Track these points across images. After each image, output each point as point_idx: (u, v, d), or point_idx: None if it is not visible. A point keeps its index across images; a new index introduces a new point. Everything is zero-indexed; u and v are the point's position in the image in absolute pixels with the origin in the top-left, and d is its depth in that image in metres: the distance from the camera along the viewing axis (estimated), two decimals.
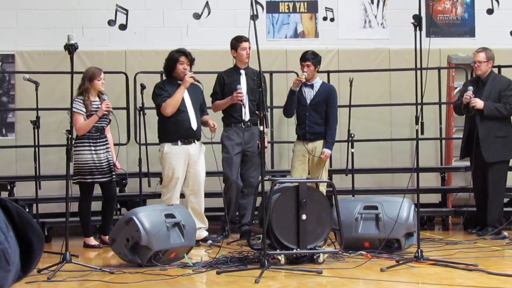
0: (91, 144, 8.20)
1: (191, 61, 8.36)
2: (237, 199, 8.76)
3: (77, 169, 8.19)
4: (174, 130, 8.24)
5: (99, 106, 8.24)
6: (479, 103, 8.48)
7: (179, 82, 8.27)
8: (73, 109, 8.07)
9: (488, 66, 8.73)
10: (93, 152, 8.19)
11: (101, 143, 8.26)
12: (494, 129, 8.60)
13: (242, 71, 8.75)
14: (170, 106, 8.21)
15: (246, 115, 8.68)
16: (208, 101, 8.83)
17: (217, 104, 8.77)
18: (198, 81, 8.36)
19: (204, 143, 8.46)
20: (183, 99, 8.27)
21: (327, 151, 8.63)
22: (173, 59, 8.34)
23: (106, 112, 8.25)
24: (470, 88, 8.55)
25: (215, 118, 8.93)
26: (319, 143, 8.66)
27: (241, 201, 8.79)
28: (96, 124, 8.22)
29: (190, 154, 8.29)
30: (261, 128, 6.82)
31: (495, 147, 8.58)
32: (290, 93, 8.69)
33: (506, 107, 8.59)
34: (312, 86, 8.72)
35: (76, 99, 8.13)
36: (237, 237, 8.60)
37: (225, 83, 8.71)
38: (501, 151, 8.67)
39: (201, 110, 8.48)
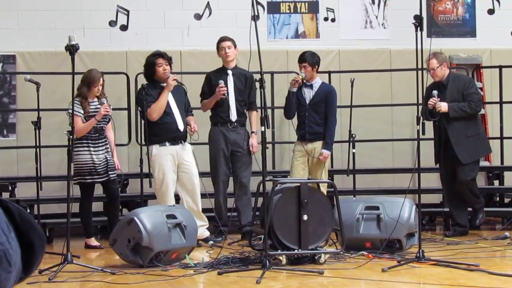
0: (90, 145, 8.20)
1: (169, 60, 8.35)
2: (226, 200, 8.77)
3: (77, 169, 8.20)
4: (162, 132, 8.25)
5: (98, 107, 8.23)
6: (443, 107, 8.43)
7: (161, 85, 8.27)
8: (71, 111, 8.08)
9: (443, 70, 8.61)
10: (92, 153, 8.19)
11: (100, 144, 8.26)
12: (463, 130, 8.58)
13: (229, 71, 8.79)
14: (155, 111, 8.22)
15: (233, 115, 8.70)
16: (197, 101, 8.86)
17: (204, 103, 8.81)
18: (181, 83, 8.38)
19: (196, 143, 8.49)
20: (168, 102, 8.27)
21: (325, 152, 8.63)
22: (151, 63, 8.34)
23: (105, 115, 8.25)
24: (435, 92, 8.42)
25: (203, 117, 8.93)
26: (319, 144, 8.67)
27: (235, 202, 8.76)
28: (95, 125, 8.21)
29: (178, 154, 8.30)
30: (262, 128, 6.81)
31: (468, 147, 8.57)
32: (288, 94, 8.72)
33: (471, 106, 8.56)
34: (311, 87, 8.74)
35: (74, 101, 8.14)
36: (238, 238, 8.61)
37: (212, 83, 8.73)
38: (475, 150, 8.69)
39: (186, 110, 8.49)
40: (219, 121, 8.72)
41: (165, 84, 8.28)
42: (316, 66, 8.72)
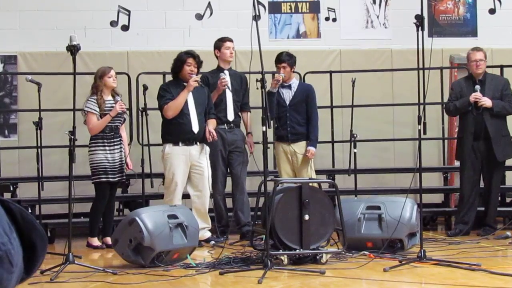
0: (105, 143, 8.21)
1: (198, 63, 8.36)
2: (224, 200, 8.78)
3: (93, 169, 8.22)
4: (175, 132, 8.26)
5: (113, 105, 8.24)
6: (488, 102, 8.53)
7: (184, 84, 8.28)
8: (87, 109, 8.12)
9: (485, 65, 8.78)
10: (107, 151, 8.21)
11: (116, 143, 8.27)
12: (500, 128, 8.69)
13: (226, 72, 8.78)
14: (171, 109, 8.22)
15: (230, 115, 8.70)
16: None
17: None
18: (202, 86, 8.38)
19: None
20: (186, 102, 8.27)
21: (312, 149, 8.63)
22: (180, 60, 8.35)
23: (120, 111, 8.27)
24: (478, 87, 8.57)
25: None
26: (302, 144, 8.67)
27: (233, 202, 8.75)
28: (110, 124, 8.23)
29: (192, 155, 8.30)
30: (264, 128, 6.81)
31: (503, 146, 8.67)
32: (268, 94, 8.66)
33: (511, 105, 8.70)
34: (289, 87, 8.74)
35: (89, 99, 8.19)
36: (237, 238, 8.61)
37: (209, 83, 8.72)
38: (508, 150, 8.76)
39: (207, 112, 8.47)
40: (216, 122, 8.70)
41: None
42: (294, 67, 8.74)
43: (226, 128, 8.71)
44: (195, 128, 8.28)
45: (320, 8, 11.13)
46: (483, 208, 8.94)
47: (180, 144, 8.28)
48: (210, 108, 8.52)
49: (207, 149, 8.39)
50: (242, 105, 8.88)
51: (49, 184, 9.29)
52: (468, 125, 8.72)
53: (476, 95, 8.53)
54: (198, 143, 8.35)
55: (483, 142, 8.60)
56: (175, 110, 8.22)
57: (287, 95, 8.71)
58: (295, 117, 8.67)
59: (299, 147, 8.68)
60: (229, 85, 8.63)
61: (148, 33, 10.71)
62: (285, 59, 8.65)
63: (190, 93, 8.27)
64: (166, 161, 8.32)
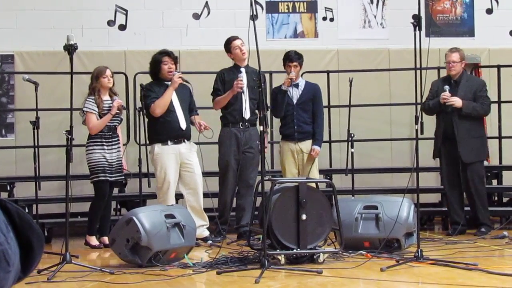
0: (104, 143, 8.21)
1: (174, 59, 8.38)
2: (232, 201, 8.75)
3: (92, 168, 8.20)
4: (164, 130, 8.26)
5: (111, 105, 8.24)
6: (458, 102, 8.52)
7: (165, 83, 8.28)
8: (86, 109, 8.12)
9: (461, 67, 8.78)
10: (106, 151, 8.19)
11: (114, 143, 8.27)
12: (470, 129, 8.66)
13: (242, 69, 8.73)
14: (159, 107, 8.22)
15: (246, 113, 8.66)
16: (207, 100, 8.82)
17: (218, 100, 8.67)
18: (186, 81, 8.37)
19: (202, 143, 8.47)
20: (171, 100, 8.27)
21: (317, 148, 8.67)
22: (156, 61, 8.37)
23: (118, 111, 8.28)
24: (447, 87, 8.56)
25: (215, 117, 8.91)
26: (308, 143, 8.68)
27: (238, 202, 8.75)
28: (108, 123, 8.22)
29: (181, 153, 8.30)
30: (261, 128, 6.81)
31: (472, 147, 8.64)
32: (281, 92, 8.67)
33: (483, 107, 8.71)
34: (297, 86, 8.76)
35: (88, 99, 8.18)
36: (235, 238, 8.60)
37: (225, 80, 8.70)
38: (477, 151, 8.75)
39: (190, 110, 8.48)
40: (231, 121, 8.66)
41: (169, 83, 8.28)
42: (302, 66, 8.78)
43: (241, 127, 8.67)
44: (183, 124, 8.30)
45: (318, 7, 11.14)
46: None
47: (169, 143, 8.28)
48: (193, 105, 8.52)
49: (194, 146, 8.38)
50: (258, 103, 8.83)
51: (46, 184, 9.29)
52: (440, 125, 8.75)
53: (444, 95, 8.52)
54: (186, 140, 8.35)
55: (451, 143, 8.61)
56: (163, 108, 8.23)
57: (295, 93, 8.74)
58: (302, 116, 8.70)
59: (306, 145, 8.70)
60: (245, 89, 8.58)
61: (145, 32, 10.71)
62: (296, 58, 8.67)
63: (174, 91, 8.27)
64: (156, 162, 8.31)
